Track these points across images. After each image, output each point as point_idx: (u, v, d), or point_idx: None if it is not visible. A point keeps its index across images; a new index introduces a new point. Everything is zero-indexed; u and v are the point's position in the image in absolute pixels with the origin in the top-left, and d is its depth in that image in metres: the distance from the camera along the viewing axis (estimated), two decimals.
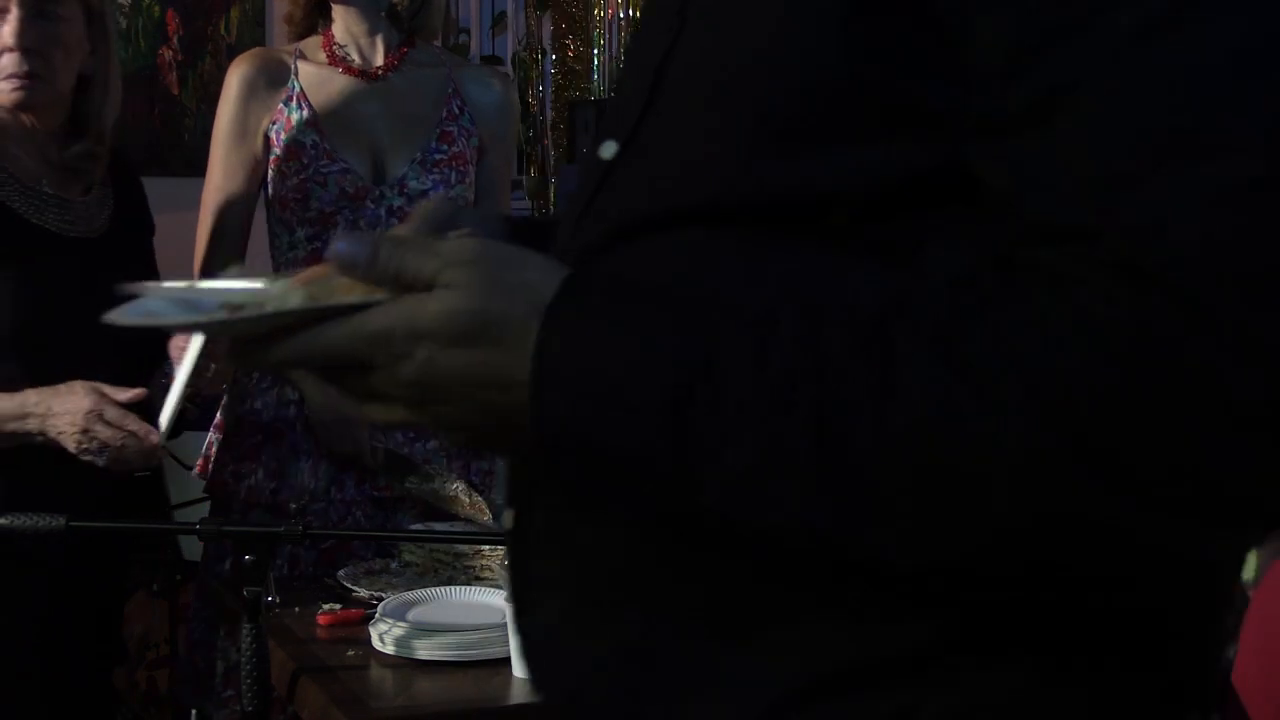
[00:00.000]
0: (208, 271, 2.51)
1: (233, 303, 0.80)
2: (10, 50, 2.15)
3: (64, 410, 2.06)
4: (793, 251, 0.76)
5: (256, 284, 0.82)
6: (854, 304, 0.72)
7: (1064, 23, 0.69)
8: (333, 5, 2.52)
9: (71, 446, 2.06)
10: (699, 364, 0.71)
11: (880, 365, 0.69)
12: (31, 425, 2.07)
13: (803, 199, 0.76)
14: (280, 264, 2.53)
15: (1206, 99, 0.66)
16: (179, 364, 2.12)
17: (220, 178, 2.53)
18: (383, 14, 2.55)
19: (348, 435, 2.39)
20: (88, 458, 2.07)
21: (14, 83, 2.15)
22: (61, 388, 2.07)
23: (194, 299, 0.88)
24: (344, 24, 2.54)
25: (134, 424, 2.07)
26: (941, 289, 0.72)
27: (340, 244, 0.78)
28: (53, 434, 2.07)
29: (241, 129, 2.51)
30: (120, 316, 0.91)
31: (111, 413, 2.06)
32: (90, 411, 2.05)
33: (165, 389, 2.11)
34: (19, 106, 2.18)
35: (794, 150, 0.76)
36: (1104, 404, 0.66)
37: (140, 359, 2.33)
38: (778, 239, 0.77)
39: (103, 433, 2.06)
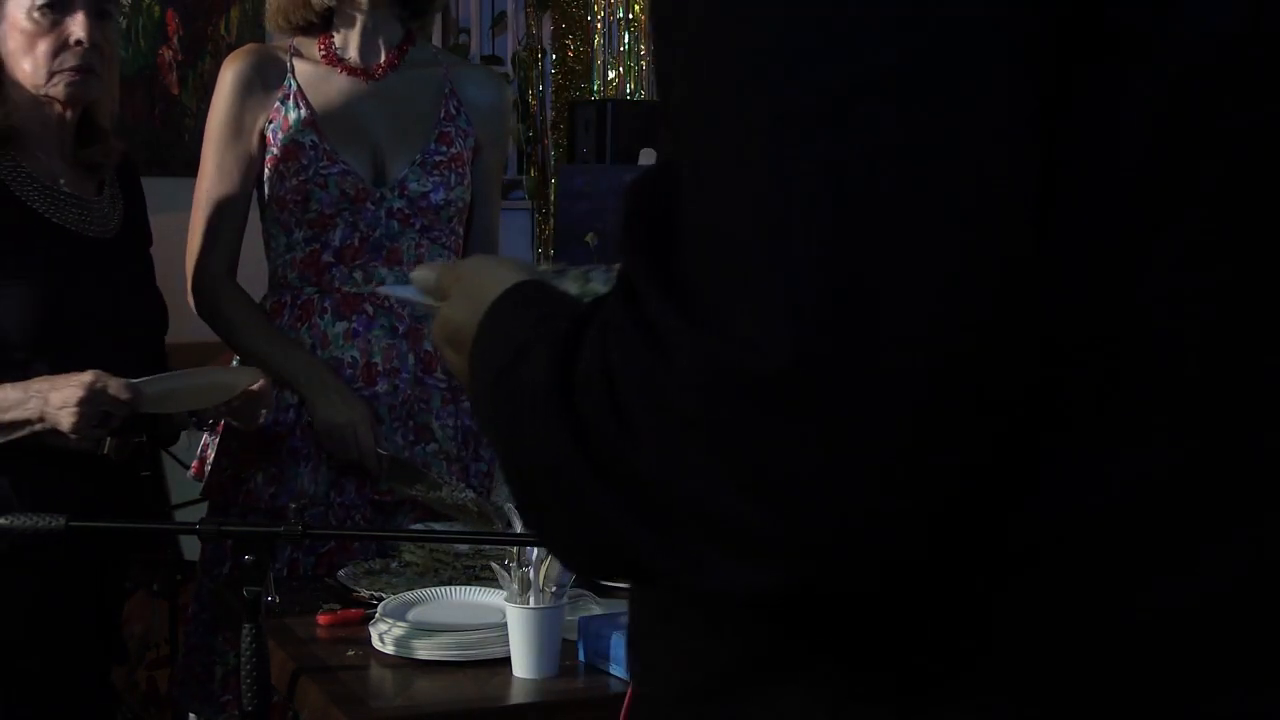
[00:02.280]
0: (203, 270, 2.50)
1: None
2: (78, 45, 2.19)
3: (63, 386, 2.06)
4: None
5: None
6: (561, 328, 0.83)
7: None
8: (353, 5, 2.51)
9: (66, 425, 2.06)
10: (499, 369, 0.85)
11: (520, 379, 0.82)
12: (31, 408, 2.07)
13: None
14: (276, 265, 2.53)
15: None
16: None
17: (215, 176, 2.52)
18: (400, 17, 2.54)
19: (350, 442, 2.39)
20: (82, 440, 2.08)
21: (72, 75, 2.20)
22: (68, 374, 2.08)
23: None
24: (354, 25, 2.52)
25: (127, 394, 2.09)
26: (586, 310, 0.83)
27: (417, 272, 1.08)
28: (50, 414, 2.06)
29: (237, 127, 2.50)
30: (385, 288, 1.23)
31: (114, 385, 2.07)
32: (90, 386, 2.05)
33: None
34: (73, 100, 2.23)
35: None
36: (605, 429, 0.74)
37: (158, 357, 2.34)
38: None
39: (105, 406, 2.07)
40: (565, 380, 0.76)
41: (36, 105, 2.22)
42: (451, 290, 1.00)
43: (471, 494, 2.32)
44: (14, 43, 2.20)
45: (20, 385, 2.08)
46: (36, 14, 2.19)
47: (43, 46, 2.19)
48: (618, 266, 0.85)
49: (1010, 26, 0.66)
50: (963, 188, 0.65)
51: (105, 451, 2.19)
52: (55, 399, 2.06)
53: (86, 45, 2.20)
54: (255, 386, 2.27)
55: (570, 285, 1.05)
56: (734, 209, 0.68)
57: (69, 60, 2.19)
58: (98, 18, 2.22)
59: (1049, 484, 0.72)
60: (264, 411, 2.32)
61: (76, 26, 2.19)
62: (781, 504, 0.68)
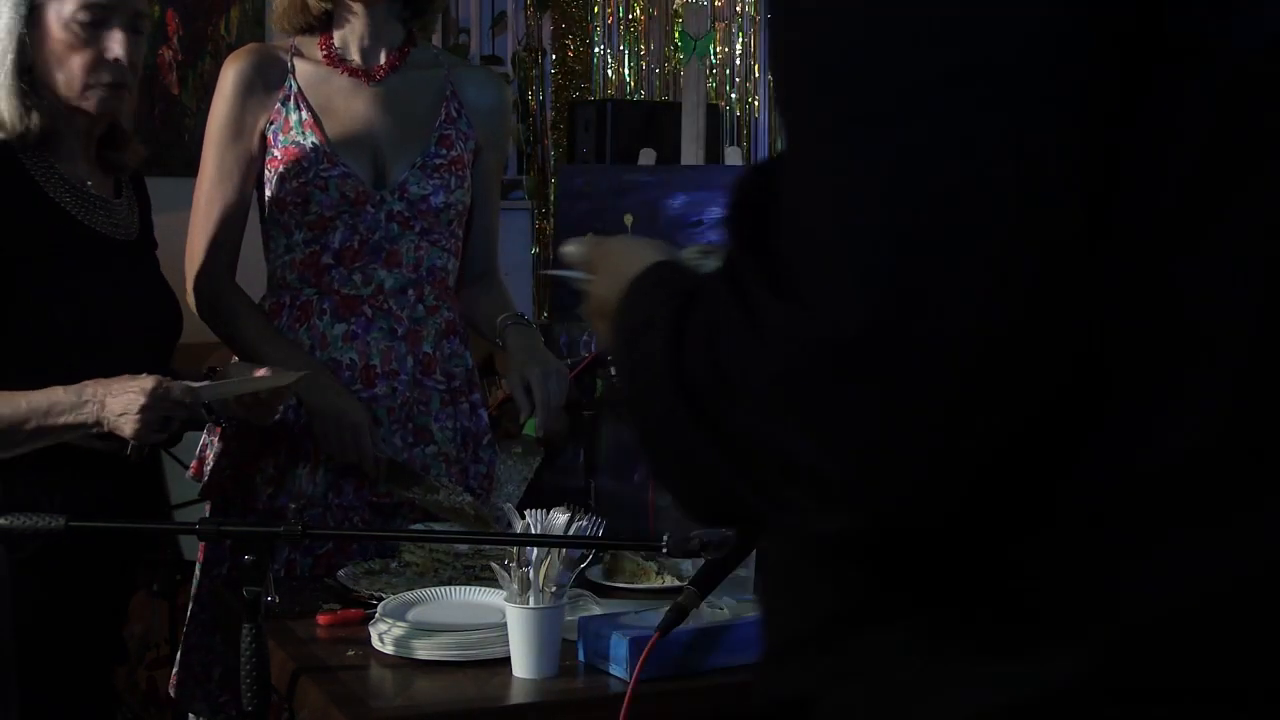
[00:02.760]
0: (202, 270, 2.51)
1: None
2: (116, 62, 2.21)
3: (121, 393, 2.06)
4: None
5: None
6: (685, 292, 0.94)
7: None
8: (351, 4, 2.51)
9: (129, 432, 2.06)
10: (630, 338, 0.97)
11: (642, 344, 0.93)
12: (89, 412, 2.07)
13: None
14: (277, 266, 2.53)
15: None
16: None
17: (215, 176, 2.51)
18: (400, 18, 2.54)
19: (349, 445, 2.39)
20: (146, 438, 2.09)
21: (107, 90, 2.22)
22: (122, 377, 2.09)
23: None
24: (353, 26, 2.52)
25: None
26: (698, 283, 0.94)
27: (565, 247, 1.21)
28: (110, 420, 2.06)
29: (237, 127, 2.49)
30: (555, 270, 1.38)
31: (177, 389, 2.08)
32: (153, 393, 2.06)
33: None
34: (104, 114, 2.25)
35: None
36: (709, 386, 0.85)
37: (169, 349, 2.34)
38: None
39: (164, 409, 2.08)
40: (677, 348, 0.87)
41: (66, 110, 2.23)
42: (600, 267, 1.13)
43: (469, 497, 2.32)
44: (49, 51, 2.20)
45: (73, 389, 2.07)
46: (75, 26, 2.20)
47: (78, 59, 2.20)
48: None
49: (1069, 32, 0.75)
50: (1015, 177, 0.74)
51: (129, 453, 2.19)
52: (115, 405, 2.06)
53: (125, 63, 2.22)
54: (284, 385, 2.28)
55: (713, 265, 1.12)
56: (816, 195, 0.79)
57: (105, 76, 2.21)
58: (134, 33, 2.24)
59: (1099, 447, 0.80)
60: (279, 410, 2.32)
61: (115, 44, 2.21)
62: (852, 454, 0.78)
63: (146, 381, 2.06)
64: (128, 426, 2.05)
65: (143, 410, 2.05)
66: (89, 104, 2.21)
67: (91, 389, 2.07)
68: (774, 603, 1.00)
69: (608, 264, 1.12)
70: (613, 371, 1.09)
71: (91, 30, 2.20)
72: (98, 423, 2.07)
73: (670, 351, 0.88)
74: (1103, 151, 0.76)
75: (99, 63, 2.20)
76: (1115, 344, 0.79)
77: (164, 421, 2.09)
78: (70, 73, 2.20)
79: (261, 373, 2.23)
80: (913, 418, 0.77)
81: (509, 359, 2.52)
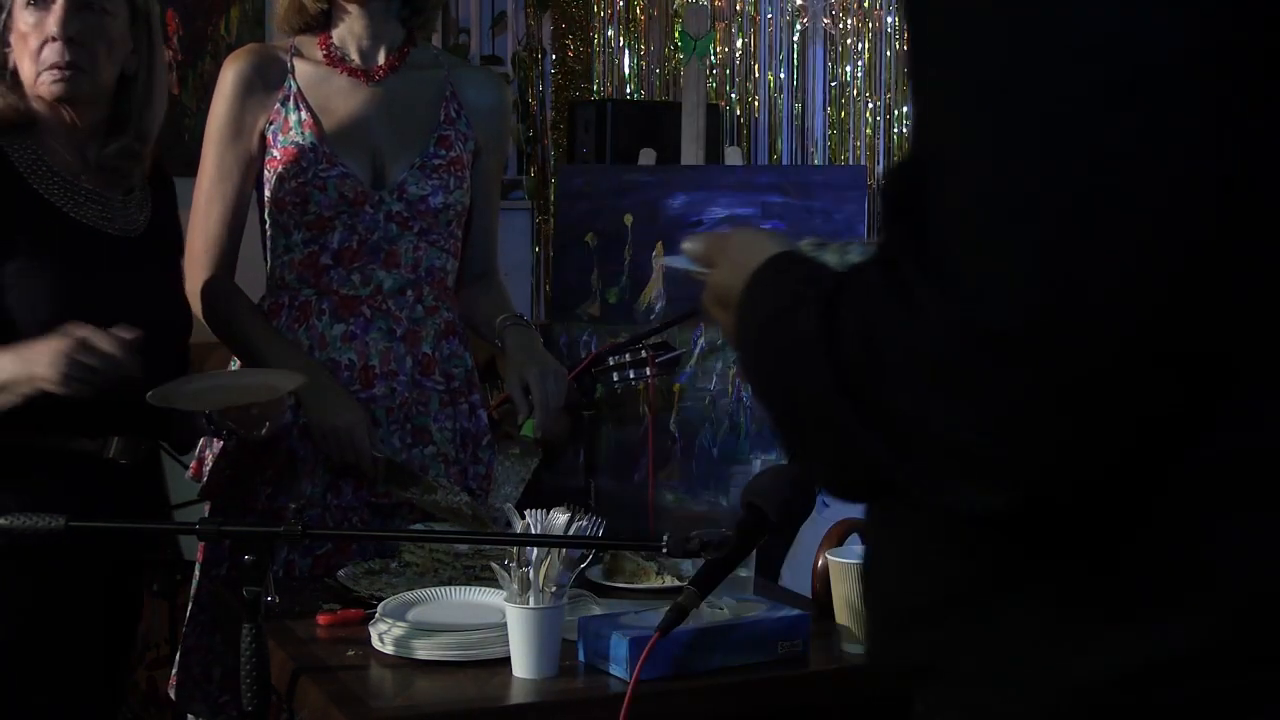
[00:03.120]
0: (201, 270, 2.50)
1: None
2: (53, 40, 2.16)
3: (43, 349, 2.02)
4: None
5: None
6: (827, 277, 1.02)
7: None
8: (345, 5, 2.51)
9: (48, 375, 2.01)
10: (763, 324, 1.04)
11: (786, 329, 1.00)
12: (13, 368, 2.03)
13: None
14: (276, 266, 2.53)
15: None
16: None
17: (214, 176, 2.51)
18: (399, 17, 2.54)
19: (347, 445, 2.38)
20: (76, 390, 2.03)
21: (55, 73, 2.17)
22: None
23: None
24: (351, 26, 2.52)
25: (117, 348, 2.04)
26: (845, 273, 0.99)
27: (687, 242, 1.25)
28: (36, 372, 2.02)
29: (238, 127, 2.49)
30: (672, 260, 1.41)
31: (100, 337, 2.03)
32: (72, 334, 2.01)
33: None
34: (59, 98, 2.19)
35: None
36: (864, 368, 0.91)
37: (170, 350, 2.33)
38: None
39: (89, 358, 2.02)
40: (829, 330, 0.93)
41: (52, 103, 2.21)
42: (719, 259, 1.19)
43: (467, 497, 2.32)
44: (16, 44, 2.19)
45: (8, 349, 2.05)
46: (26, 13, 2.18)
47: (33, 45, 2.18)
48: (872, 241, 1.12)
49: (1217, 47, 0.82)
50: (1166, 181, 0.81)
51: (111, 455, 2.18)
52: (38, 350, 2.01)
53: (60, 40, 2.16)
54: (284, 388, 2.28)
55: (830, 256, 1.19)
56: (979, 192, 0.85)
57: (49, 57, 2.17)
58: (78, 10, 2.17)
59: (1223, 426, 0.87)
60: (268, 424, 2.31)
61: (52, 21, 2.16)
62: (1009, 434, 0.86)
63: (75, 329, 2.01)
64: (46, 370, 2.00)
65: (62, 352, 1.99)
66: (44, 89, 2.18)
67: (24, 348, 2.04)
68: (886, 576, 1.06)
69: (729, 255, 1.17)
70: (735, 355, 1.14)
71: (39, 13, 2.17)
72: (29, 377, 2.02)
73: (824, 331, 0.94)
74: (1244, 155, 0.83)
75: (43, 45, 2.16)
76: (1241, 332, 0.86)
77: (88, 371, 2.01)
78: (27, 61, 2.18)
79: (258, 370, 2.24)
80: (1067, 401, 0.84)
81: (507, 360, 2.52)
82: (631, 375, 2.90)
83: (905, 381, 0.88)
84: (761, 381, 1.05)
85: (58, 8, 2.16)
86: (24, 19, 2.17)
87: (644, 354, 2.91)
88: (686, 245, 1.27)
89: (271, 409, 2.27)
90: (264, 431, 2.31)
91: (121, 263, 2.24)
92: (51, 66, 2.17)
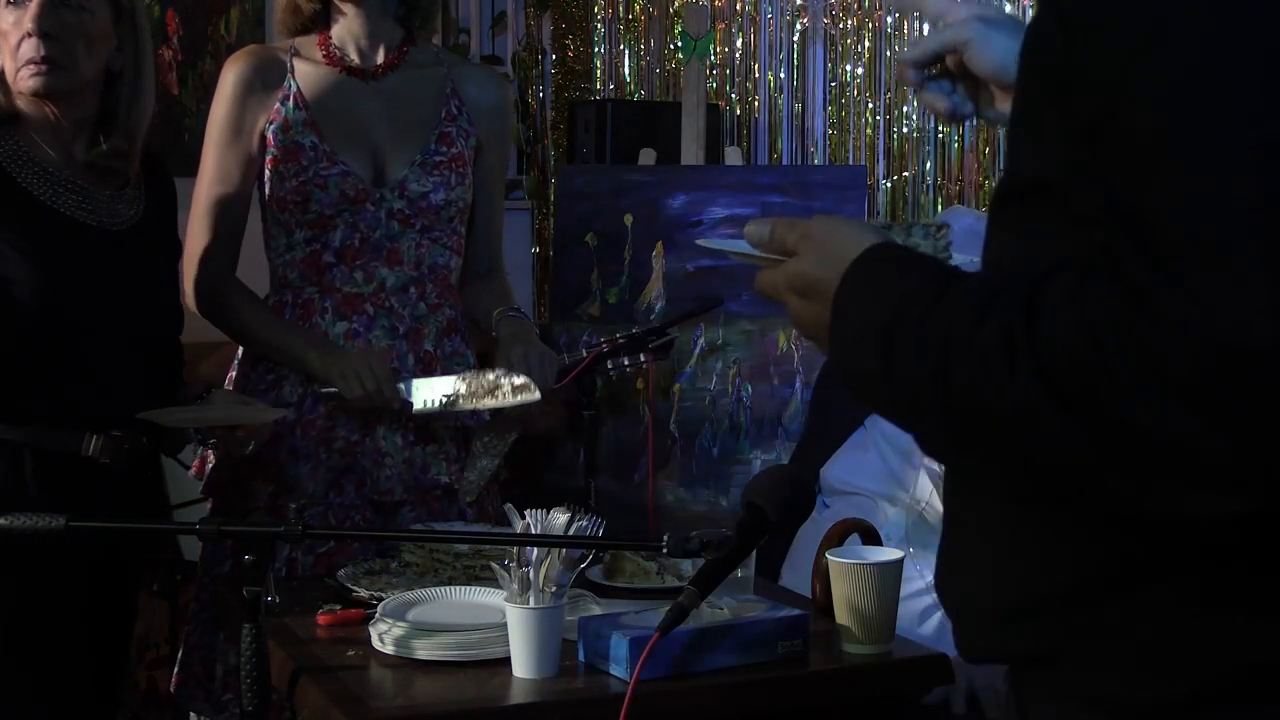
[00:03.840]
0: (202, 269, 2.51)
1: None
2: (29, 36, 2.15)
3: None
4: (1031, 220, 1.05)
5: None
6: (985, 282, 1.02)
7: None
8: (340, 5, 2.51)
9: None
10: (897, 313, 1.02)
11: (971, 337, 0.97)
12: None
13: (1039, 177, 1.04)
14: (278, 265, 2.53)
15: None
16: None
17: (214, 176, 2.52)
18: (395, 15, 2.54)
19: (367, 374, 2.37)
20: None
21: (32, 69, 2.16)
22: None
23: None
24: (348, 25, 2.53)
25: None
26: (1033, 280, 0.97)
27: (749, 226, 1.19)
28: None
29: (237, 127, 2.50)
30: (709, 241, 1.37)
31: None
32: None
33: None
34: (37, 93, 2.18)
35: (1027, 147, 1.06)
36: (1080, 372, 0.91)
37: (167, 358, 2.33)
38: (1026, 207, 1.06)
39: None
40: (1033, 338, 0.93)
41: (35, 100, 2.21)
42: (799, 246, 1.14)
43: (489, 375, 2.39)
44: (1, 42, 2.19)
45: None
46: (6, 11, 2.18)
47: (13, 41, 2.17)
48: (934, 223, 1.13)
49: None
50: None
51: (90, 453, 2.18)
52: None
53: (35, 35, 2.15)
54: (265, 420, 2.30)
55: (895, 238, 1.17)
56: (1233, 208, 0.87)
57: (27, 52, 2.16)
58: (54, 6, 2.17)
59: None
60: (253, 444, 2.33)
61: (27, 18, 2.16)
62: (1250, 445, 0.88)
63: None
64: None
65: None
66: (22, 85, 2.18)
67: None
68: (993, 565, 1.08)
69: (813, 242, 1.13)
70: (831, 347, 1.10)
71: (17, 11, 2.17)
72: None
73: (1027, 338, 0.93)
74: None
75: (21, 41, 2.16)
76: None
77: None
78: (7, 59, 2.18)
79: (239, 408, 2.28)
80: None
81: (499, 345, 2.52)
82: (626, 362, 2.90)
83: (1138, 390, 0.89)
84: (892, 378, 1.02)
85: (33, 4, 2.16)
86: (5, 18, 2.18)
87: (637, 338, 2.91)
88: (750, 228, 1.21)
89: (254, 433, 2.31)
90: (249, 450, 2.34)
91: (100, 254, 2.22)
92: (28, 62, 2.16)
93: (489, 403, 2.39)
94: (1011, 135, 1.10)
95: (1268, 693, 0.96)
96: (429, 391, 2.41)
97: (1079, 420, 0.92)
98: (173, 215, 2.41)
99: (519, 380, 2.39)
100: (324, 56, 2.53)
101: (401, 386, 2.40)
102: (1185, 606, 0.98)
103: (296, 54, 2.53)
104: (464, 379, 2.41)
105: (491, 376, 2.40)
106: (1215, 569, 0.97)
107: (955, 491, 1.16)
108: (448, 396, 2.39)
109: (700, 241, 1.43)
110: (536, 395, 2.39)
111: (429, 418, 2.46)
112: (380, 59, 2.54)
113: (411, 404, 2.40)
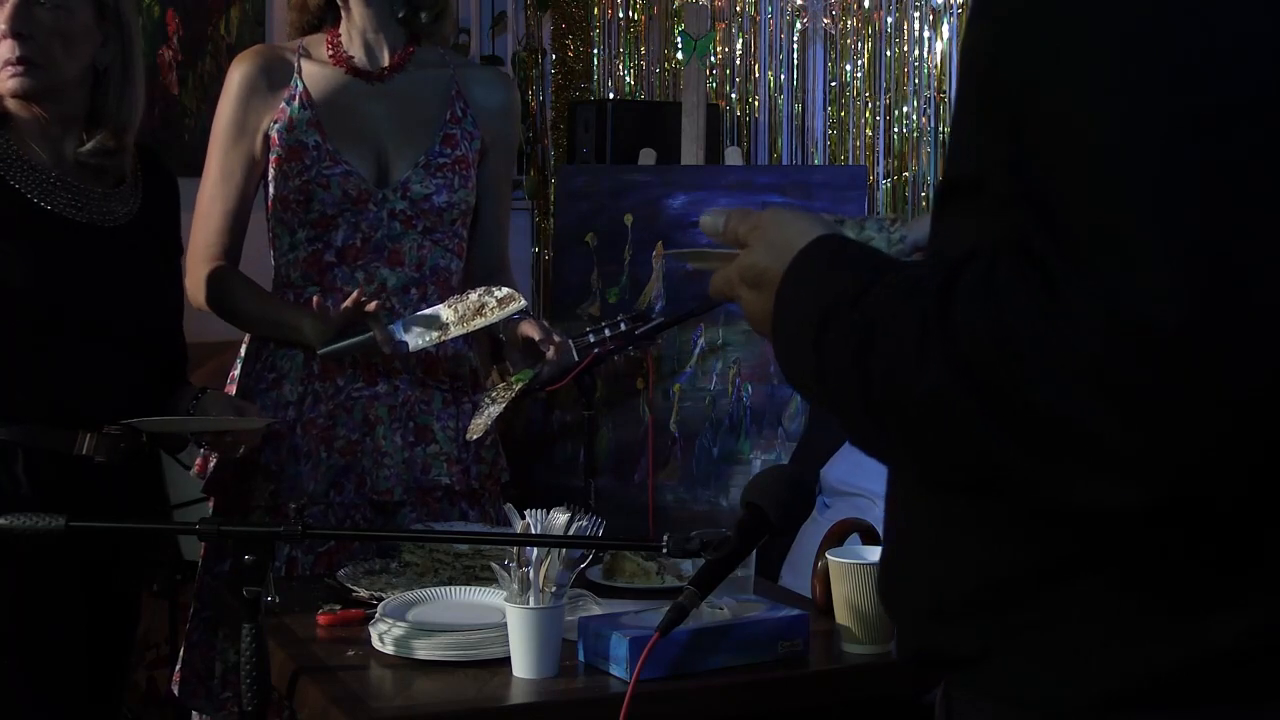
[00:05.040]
0: (207, 266, 2.51)
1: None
2: (4, 36, 2.14)
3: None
4: (963, 217, 1.04)
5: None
6: (917, 270, 1.00)
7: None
8: (347, 2, 2.51)
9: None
10: (831, 303, 1.01)
11: (890, 322, 0.96)
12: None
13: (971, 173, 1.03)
14: (280, 264, 2.53)
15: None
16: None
17: (218, 175, 2.52)
18: (398, 16, 2.54)
19: (356, 313, 2.37)
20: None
21: (10, 70, 2.15)
22: None
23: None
24: (354, 22, 2.53)
25: None
26: (950, 265, 0.96)
27: (705, 216, 1.18)
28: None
29: (241, 127, 2.50)
30: (677, 252, 1.42)
31: None
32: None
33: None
34: (17, 94, 2.17)
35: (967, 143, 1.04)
36: (992, 361, 0.90)
37: (162, 354, 2.32)
38: (961, 203, 1.05)
39: None
40: (945, 324, 0.92)
41: (20, 100, 2.20)
42: (749, 238, 1.13)
43: (475, 295, 2.41)
44: None
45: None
46: None
47: None
48: (889, 217, 1.12)
49: None
50: None
51: (85, 451, 2.17)
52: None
53: (9, 36, 2.14)
54: (254, 429, 2.31)
55: (848, 232, 1.17)
56: (1138, 191, 0.85)
57: (3, 53, 2.15)
58: (29, 6, 2.15)
59: None
60: (244, 447, 2.34)
61: (3, 17, 2.15)
62: (1161, 433, 0.85)
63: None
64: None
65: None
66: (2, 88, 2.16)
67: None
68: (925, 565, 1.07)
69: (763, 234, 1.13)
70: (771, 338, 1.09)
71: None
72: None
73: (940, 325, 0.92)
74: None
75: (2, 41, 2.15)
76: None
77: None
78: None
79: (231, 415, 2.29)
80: (1220, 404, 0.84)
81: (508, 330, 2.50)
82: (612, 347, 2.92)
83: (1048, 377, 0.87)
84: (823, 368, 1.02)
85: (8, 5, 2.14)
86: None
87: (623, 326, 2.91)
88: (705, 218, 1.20)
89: (244, 438, 2.31)
90: (240, 453, 2.34)
91: (92, 251, 2.21)
92: (4, 63, 2.15)
93: (479, 322, 2.40)
94: (951, 134, 1.09)
95: (1190, 693, 0.95)
96: (420, 328, 2.42)
97: (986, 404, 0.90)
98: (174, 212, 2.40)
99: (501, 293, 2.40)
100: (331, 56, 2.53)
101: (393, 329, 2.40)
102: (1107, 604, 0.97)
103: (305, 54, 2.54)
104: (449, 305, 2.42)
105: (474, 296, 2.41)
106: (1138, 565, 0.96)
107: (890, 491, 1.15)
108: (440, 327, 2.40)
109: (669, 251, 1.45)
110: (523, 303, 2.41)
111: (433, 364, 2.49)
112: (386, 60, 2.55)
113: (406, 343, 2.41)
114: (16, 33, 2.14)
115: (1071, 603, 0.97)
